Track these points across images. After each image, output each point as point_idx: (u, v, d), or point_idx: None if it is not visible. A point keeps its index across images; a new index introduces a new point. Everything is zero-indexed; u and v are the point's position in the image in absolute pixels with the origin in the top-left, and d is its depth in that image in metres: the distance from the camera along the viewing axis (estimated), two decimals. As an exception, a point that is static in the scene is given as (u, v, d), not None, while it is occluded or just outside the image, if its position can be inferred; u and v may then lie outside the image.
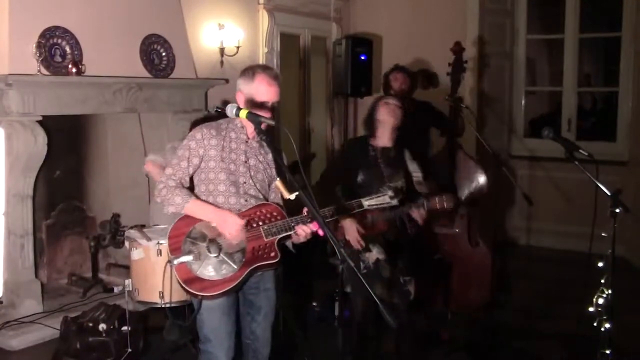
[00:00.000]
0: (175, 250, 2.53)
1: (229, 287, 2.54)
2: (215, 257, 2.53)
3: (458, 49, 4.53)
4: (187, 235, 2.55)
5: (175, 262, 2.50)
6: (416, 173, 3.52)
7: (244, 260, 2.56)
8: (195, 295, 2.54)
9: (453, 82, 4.53)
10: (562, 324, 4.39)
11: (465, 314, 4.50)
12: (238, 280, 2.55)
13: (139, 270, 3.56)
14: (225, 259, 2.55)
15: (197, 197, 2.60)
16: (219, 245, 2.55)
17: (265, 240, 2.59)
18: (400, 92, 4.83)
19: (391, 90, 4.82)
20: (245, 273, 2.56)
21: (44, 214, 4.89)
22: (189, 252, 2.52)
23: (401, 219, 3.40)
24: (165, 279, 2.71)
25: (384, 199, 2.83)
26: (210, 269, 2.53)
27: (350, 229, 3.28)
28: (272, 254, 2.60)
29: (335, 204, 2.80)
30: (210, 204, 2.59)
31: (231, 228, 2.52)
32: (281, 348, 3.72)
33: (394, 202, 2.86)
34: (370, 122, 3.53)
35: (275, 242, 2.61)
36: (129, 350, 3.69)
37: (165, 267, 2.60)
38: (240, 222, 2.54)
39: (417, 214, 3.33)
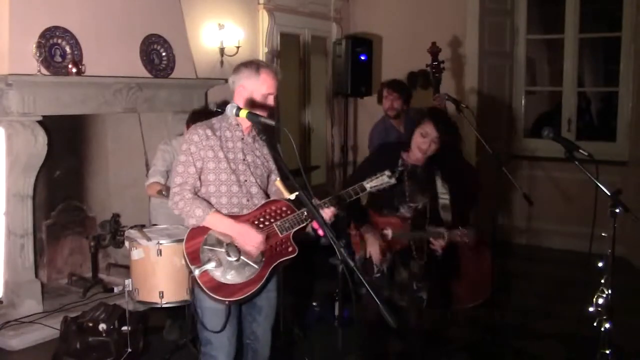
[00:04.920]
0: (195, 260, 2.51)
1: (255, 288, 2.55)
2: (236, 260, 2.53)
3: (434, 50, 4.54)
4: (203, 244, 2.54)
5: (197, 272, 2.48)
6: (444, 196, 3.40)
7: (264, 259, 2.57)
8: (223, 302, 2.53)
9: (435, 83, 4.54)
10: (562, 324, 4.39)
11: (465, 314, 4.50)
12: (263, 280, 2.57)
13: (139, 270, 3.56)
14: (246, 260, 2.55)
15: (216, 209, 2.58)
16: (238, 248, 2.54)
17: (281, 235, 2.61)
18: (391, 110, 4.85)
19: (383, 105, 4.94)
20: (269, 271, 2.58)
21: (44, 214, 4.88)
22: (209, 260, 2.51)
23: (420, 241, 3.33)
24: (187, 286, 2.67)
25: (383, 179, 2.83)
26: (233, 273, 2.52)
27: (373, 244, 3.22)
28: (290, 249, 2.63)
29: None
30: (230, 217, 2.58)
31: (251, 242, 2.53)
32: (281, 348, 3.72)
33: (393, 180, 2.85)
34: (408, 138, 3.35)
35: (291, 236, 2.63)
36: (129, 350, 3.69)
37: (189, 278, 2.58)
38: (260, 238, 2.54)
39: (437, 244, 3.28)
